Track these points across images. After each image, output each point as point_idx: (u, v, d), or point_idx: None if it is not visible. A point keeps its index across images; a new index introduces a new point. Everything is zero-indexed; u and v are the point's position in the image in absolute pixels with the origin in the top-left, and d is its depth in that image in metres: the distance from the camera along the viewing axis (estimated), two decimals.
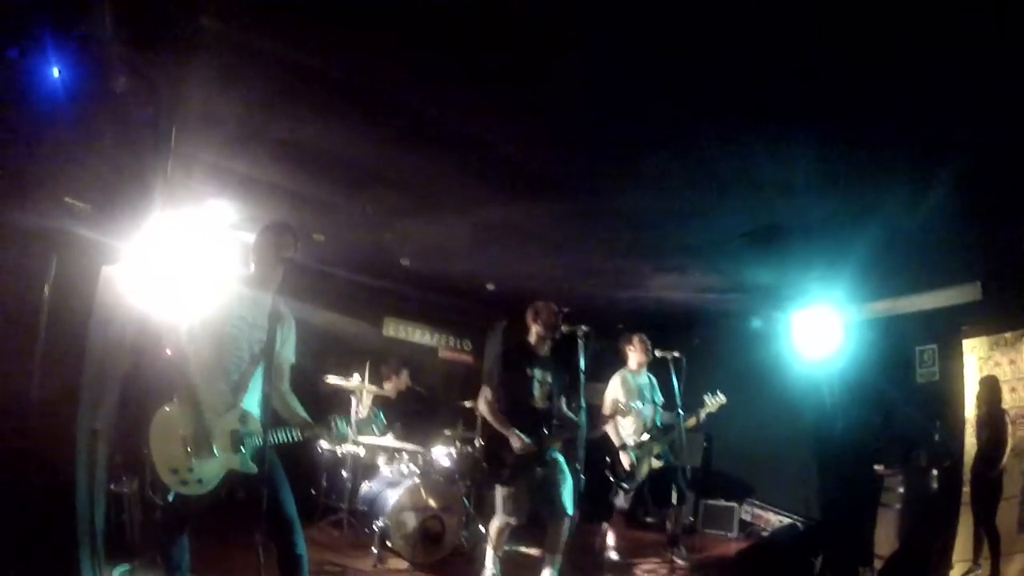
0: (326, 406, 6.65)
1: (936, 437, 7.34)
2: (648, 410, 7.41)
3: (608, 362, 7.87)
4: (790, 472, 9.34)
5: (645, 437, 7.25)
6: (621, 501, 7.40)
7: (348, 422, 4.29)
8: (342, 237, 8.24)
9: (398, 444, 7.55)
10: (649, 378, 7.69)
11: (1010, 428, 6.73)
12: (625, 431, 7.32)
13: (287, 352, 4.23)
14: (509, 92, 4.72)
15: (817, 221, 6.46)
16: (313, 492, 7.84)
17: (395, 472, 7.31)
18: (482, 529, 7.03)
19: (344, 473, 7.50)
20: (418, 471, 7.19)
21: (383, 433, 7.49)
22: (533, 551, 6.83)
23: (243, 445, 3.86)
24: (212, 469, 3.79)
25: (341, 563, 6.37)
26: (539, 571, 5.72)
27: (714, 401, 7.60)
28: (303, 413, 4.18)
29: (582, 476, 5.35)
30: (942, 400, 7.61)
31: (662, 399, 7.59)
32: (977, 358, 7.34)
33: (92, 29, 3.85)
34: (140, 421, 3.98)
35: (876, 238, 6.46)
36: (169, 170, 5.14)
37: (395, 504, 6.58)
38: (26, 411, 3.96)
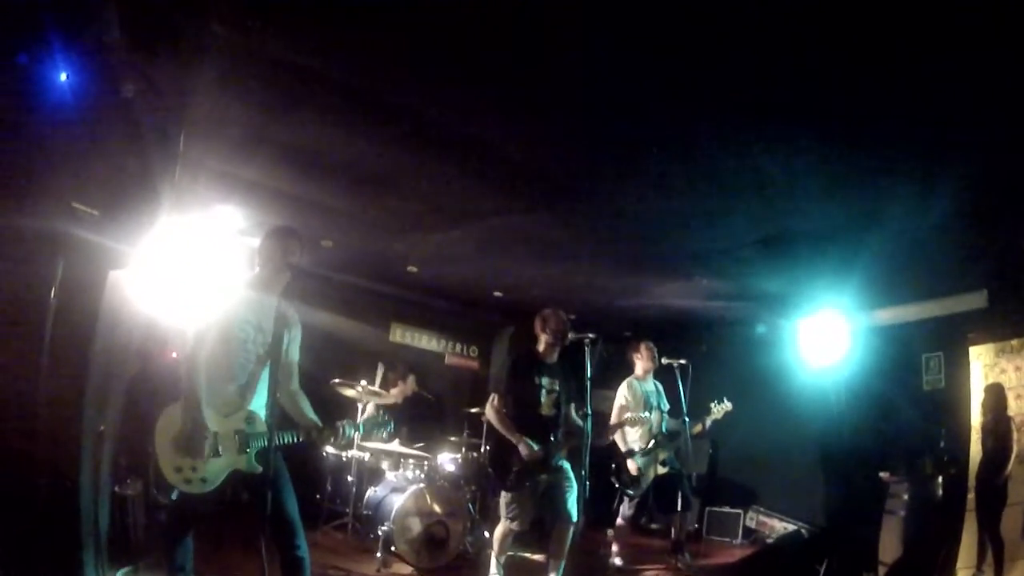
0: (333, 410, 6.67)
1: (941, 444, 7.32)
2: (654, 417, 7.41)
3: (615, 369, 7.89)
4: (795, 479, 9.31)
5: (651, 444, 7.25)
6: (626, 507, 7.39)
7: (356, 427, 4.29)
8: (350, 243, 8.27)
9: (403, 449, 7.57)
10: (656, 385, 7.69)
11: (1015, 435, 6.70)
12: (631, 438, 7.32)
13: (293, 351, 4.24)
14: (510, 93, 4.72)
15: (824, 228, 6.45)
16: (318, 496, 7.85)
17: (400, 477, 7.32)
18: (486, 535, 7.04)
19: (349, 478, 7.53)
20: (423, 476, 7.21)
21: (390, 439, 7.51)
22: (537, 557, 6.84)
23: (248, 445, 3.88)
24: (216, 468, 3.81)
25: (345, 567, 6.39)
26: None
27: (720, 408, 7.61)
28: (312, 415, 4.19)
29: (587, 483, 5.36)
30: (948, 407, 7.57)
31: (668, 406, 7.59)
32: (983, 365, 7.30)
33: (100, 35, 3.88)
34: (145, 424, 4.00)
35: (882, 246, 6.45)
36: (177, 175, 5.18)
37: (400, 509, 6.59)
38: (31, 414, 4.00)
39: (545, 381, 5.79)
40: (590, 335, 5.44)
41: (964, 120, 4.52)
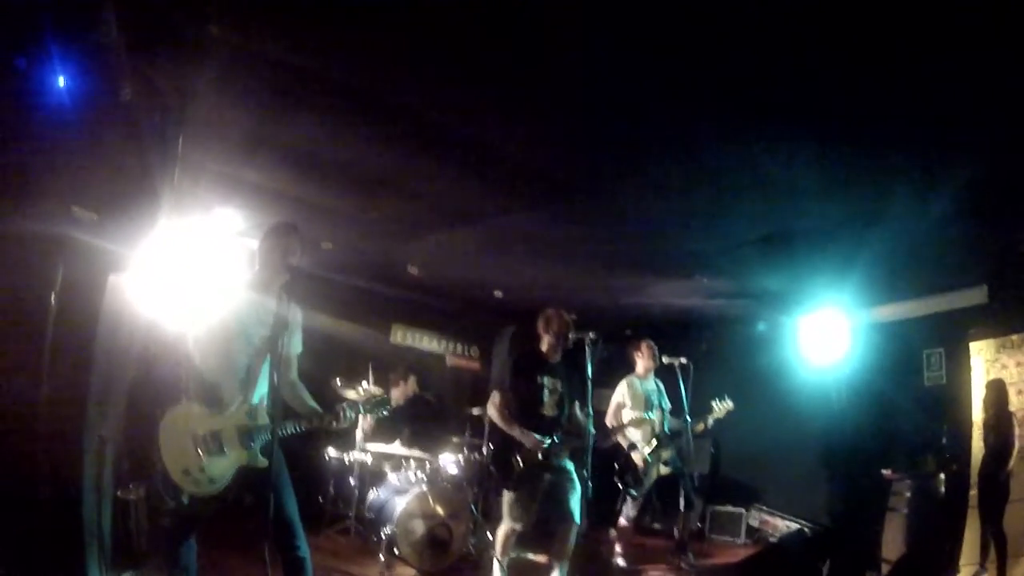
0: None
1: (943, 441, 7.34)
2: (656, 416, 7.40)
3: (616, 368, 7.88)
4: (798, 477, 9.30)
5: (653, 443, 7.25)
6: (629, 507, 7.39)
7: (357, 409, 4.28)
8: (350, 245, 8.27)
9: (405, 451, 7.55)
10: (657, 384, 7.70)
11: (1017, 431, 6.72)
12: (634, 436, 7.33)
13: (295, 344, 4.25)
14: (510, 93, 4.73)
15: (824, 226, 6.45)
16: (320, 499, 7.85)
17: (402, 479, 7.30)
18: (489, 536, 7.03)
19: (351, 480, 7.52)
20: (425, 478, 7.20)
21: (391, 437, 7.50)
22: (540, 558, 6.82)
23: (252, 440, 3.88)
24: (223, 466, 3.81)
25: (348, 570, 6.40)
26: None
27: (722, 407, 7.61)
28: (312, 403, 4.21)
29: (590, 483, 5.35)
30: (949, 403, 7.61)
31: (670, 405, 7.59)
32: (984, 361, 7.33)
33: (99, 37, 3.87)
34: (148, 428, 4.00)
35: (882, 242, 6.45)
36: (176, 178, 5.17)
37: (403, 511, 6.58)
38: (33, 418, 4.01)
39: (547, 381, 5.78)
40: (591, 334, 5.44)
41: (964, 119, 4.53)
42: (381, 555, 6.47)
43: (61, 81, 3.85)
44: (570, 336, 5.74)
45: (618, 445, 7.34)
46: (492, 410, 5.79)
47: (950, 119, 4.53)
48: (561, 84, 4.54)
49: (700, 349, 9.39)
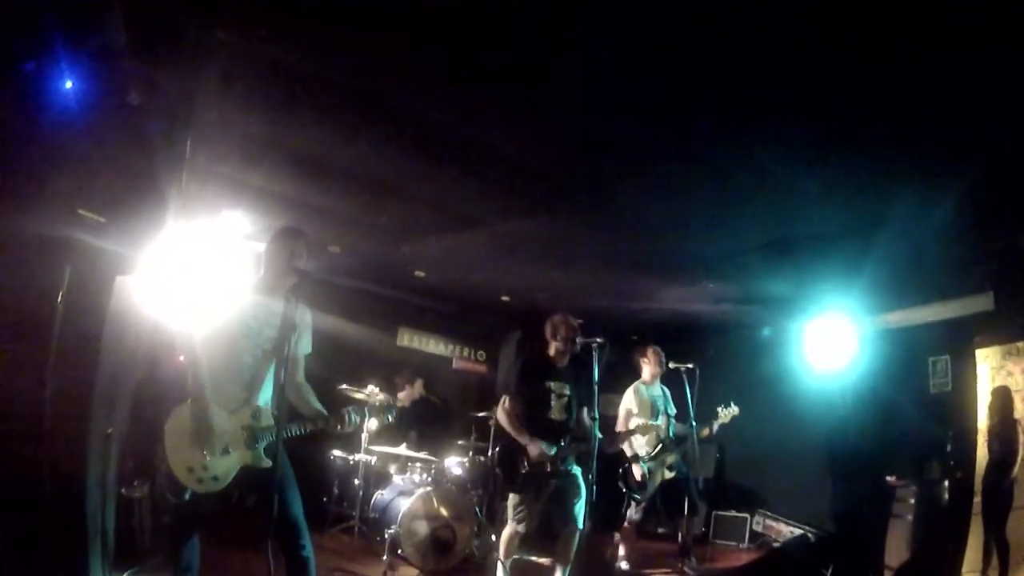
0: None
1: (948, 447, 7.31)
2: (662, 422, 7.41)
3: (622, 373, 7.89)
4: (802, 483, 9.28)
5: (659, 449, 7.25)
6: (633, 511, 7.40)
7: (361, 414, 4.31)
8: (357, 248, 8.31)
9: (410, 453, 7.58)
10: (663, 389, 7.69)
11: (1022, 438, 6.70)
12: (638, 444, 7.32)
13: (303, 344, 4.26)
14: (510, 93, 4.76)
15: (830, 231, 6.46)
16: (325, 500, 7.89)
17: (407, 481, 7.34)
18: (493, 538, 7.05)
19: (356, 481, 7.54)
20: (430, 480, 7.22)
21: (399, 438, 7.53)
22: (543, 560, 6.84)
23: (257, 440, 3.91)
24: (226, 465, 3.82)
25: (352, 570, 6.42)
26: None
27: (727, 412, 7.59)
28: (317, 404, 4.22)
29: (594, 487, 5.36)
30: (954, 410, 7.58)
31: (675, 410, 7.58)
32: (990, 368, 7.30)
33: (106, 42, 3.92)
34: (153, 427, 4.02)
35: (888, 248, 6.45)
36: (184, 181, 5.21)
37: (407, 512, 6.61)
38: (39, 418, 4.04)
39: (555, 385, 5.79)
40: (598, 339, 5.45)
41: (968, 121, 4.54)
42: (385, 556, 6.49)
43: (68, 84, 3.89)
44: (577, 341, 5.75)
45: (623, 450, 7.34)
46: (502, 415, 5.80)
47: (953, 121, 4.54)
48: (561, 84, 4.56)
49: (706, 355, 9.36)
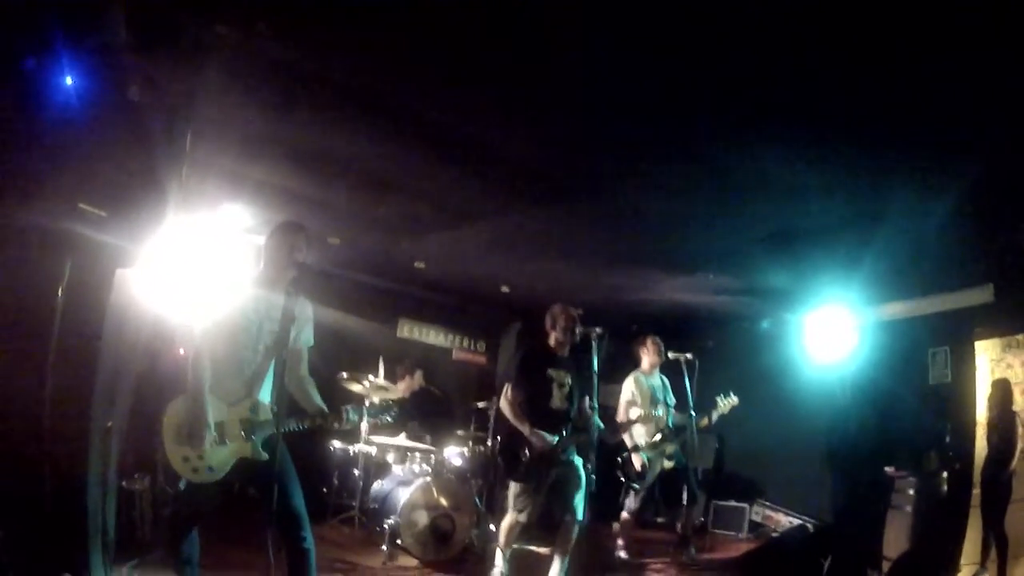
0: (340, 406, 6.70)
1: (947, 439, 7.32)
2: (661, 412, 7.43)
3: (621, 364, 7.91)
4: (801, 473, 9.29)
5: (658, 438, 7.28)
6: (632, 501, 7.43)
7: (359, 412, 4.33)
8: (357, 240, 8.31)
9: (410, 443, 7.60)
10: (662, 379, 7.72)
11: (1021, 431, 6.71)
12: (638, 432, 7.35)
13: (305, 337, 4.27)
14: (510, 93, 4.76)
15: (830, 224, 6.47)
16: (325, 490, 7.91)
17: (407, 471, 7.36)
18: (492, 528, 7.08)
19: (356, 471, 7.57)
20: (430, 470, 7.25)
21: (395, 430, 7.55)
22: (543, 550, 6.87)
23: (254, 433, 3.92)
24: (222, 456, 3.84)
25: (352, 560, 6.44)
26: (548, 570, 5.76)
27: (726, 402, 7.63)
28: (318, 400, 4.23)
29: (593, 476, 5.39)
30: (954, 402, 7.59)
31: (675, 400, 7.62)
32: (989, 360, 7.31)
33: (107, 38, 3.92)
34: (153, 420, 4.04)
35: (888, 240, 6.45)
36: (184, 174, 5.22)
37: (406, 502, 6.63)
38: (39, 411, 4.06)
39: (556, 375, 5.81)
40: (597, 329, 5.47)
41: (966, 118, 4.54)
42: (384, 546, 6.53)
43: (69, 80, 3.90)
44: (577, 331, 5.77)
45: (622, 440, 7.37)
46: (504, 404, 5.82)
47: (952, 118, 4.54)
48: (561, 84, 4.56)
49: (706, 345, 9.39)
